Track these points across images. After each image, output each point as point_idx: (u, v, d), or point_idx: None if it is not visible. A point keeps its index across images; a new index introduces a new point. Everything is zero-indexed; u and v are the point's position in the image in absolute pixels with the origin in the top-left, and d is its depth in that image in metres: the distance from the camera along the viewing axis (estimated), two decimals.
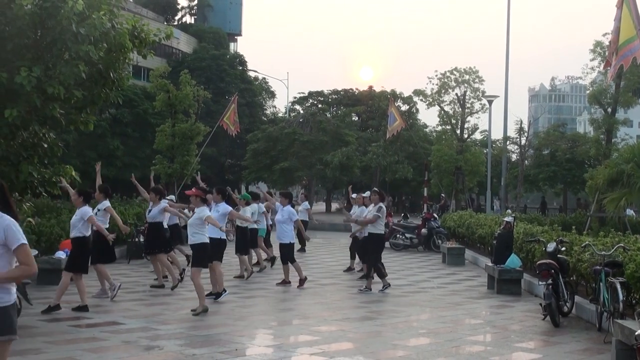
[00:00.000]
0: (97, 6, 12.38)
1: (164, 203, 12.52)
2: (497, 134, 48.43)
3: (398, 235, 21.47)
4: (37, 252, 10.20)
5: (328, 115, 47.75)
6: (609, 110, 27.15)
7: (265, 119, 56.76)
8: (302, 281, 12.71)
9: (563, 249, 10.85)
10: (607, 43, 18.68)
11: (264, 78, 62.89)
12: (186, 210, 13.16)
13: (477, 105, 36.84)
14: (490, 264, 13.27)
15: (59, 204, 19.47)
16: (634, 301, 9.14)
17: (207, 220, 10.16)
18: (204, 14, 70.23)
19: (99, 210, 11.10)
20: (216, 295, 10.94)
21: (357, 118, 54.09)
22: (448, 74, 36.46)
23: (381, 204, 12.48)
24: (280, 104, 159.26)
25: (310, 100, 55.76)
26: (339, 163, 36.87)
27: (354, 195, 16.19)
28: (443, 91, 36.70)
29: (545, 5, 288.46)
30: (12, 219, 4.35)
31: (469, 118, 37.35)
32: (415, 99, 42.30)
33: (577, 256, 10.69)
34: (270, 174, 38.99)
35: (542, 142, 43.44)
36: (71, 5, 11.68)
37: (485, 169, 34.11)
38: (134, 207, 19.30)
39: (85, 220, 9.90)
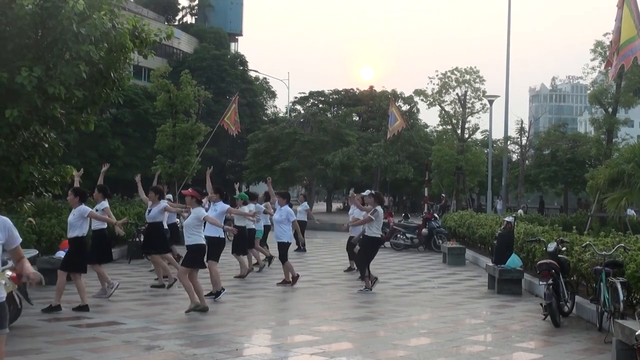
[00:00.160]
0: (98, 6, 12.42)
1: (163, 203, 12.51)
2: (497, 134, 48.52)
3: (399, 235, 21.48)
4: (37, 252, 10.18)
5: (329, 115, 47.76)
6: (610, 110, 27.15)
7: (266, 119, 56.78)
8: (295, 279, 12.80)
9: (564, 249, 10.84)
10: (608, 43, 18.68)
11: (265, 78, 63.02)
12: (186, 214, 13.16)
13: (477, 105, 36.89)
14: (490, 264, 13.27)
15: (59, 204, 19.47)
16: (634, 301, 9.13)
17: (206, 220, 10.16)
18: (205, 14, 70.26)
19: (97, 210, 11.10)
20: (215, 294, 10.94)
21: (357, 118, 54.12)
22: (449, 74, 36.50)
23: (377, 208, 12.48)
24: (281, 104, 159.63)
25: (311, 100, 55.78)
26: (339, 163, 36.88)
27: (365, 193, 16.29)
28: (444, 91, 36.73)
29: (546, 5, 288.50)
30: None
31: (469, 118, 37.40)
32: (416, 98, 42.34)
33: (577, 256, 10.68)
34: (271, 174, 38.88)
35: (543, 142, 43.46)
36: (72, 5, 11.70)
37: (486, 169, 34.13)
38: (135, 207, 19.31)
39: (84, 219, 9.87)
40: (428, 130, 53.77)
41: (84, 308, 9.64)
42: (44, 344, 7.68)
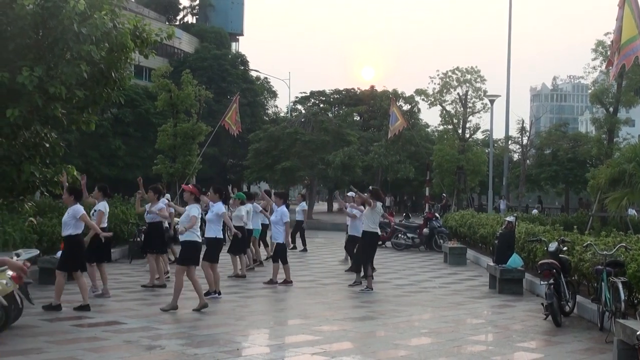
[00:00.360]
0: (99, 6, 12.43)
1: (161, 204, 12.41)
2: (498, 134, 48.46)
3: (400, 235, 21.47)
4: (38, 251, 10.17)
5: (330, 115, 47.71)
6: (611, 109, 27.11)
7: (267, 118, 56.80)
8: (271, 282, 12.72)
9: (565, 248, 10.83)
10: (609, 42, 18.67)
11: (266, 78, 63.00)
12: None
13: (478, 105, 36.84)
14: (491, 263, 13.26)
15: (60, 204, 19.48)
16: (635, 301, 9.13)
17: (192, 220, 10.03)
18: (206, 14, 70.28)
19: (95, 211, 11.10)
20: (213, 293, 10.97)
21: (358, 118, 54.10)
22: (450, 73, 36.45)
23: (376, 203, 12.47)
24: (282, 104, 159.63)
25: (312, 100, 55.78)
26: (340, 163, 36.83)
27: (349, 194, 16.37)
28: (445, 91, 36.69)
29: (546, 5, 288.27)
30: None
31: (470, 118, 37.34)
32: (417, 98, 42.30)
33: (578, 256, 10.67)
34: (272, 173, 38.96)
35: (544, 141, 43.42)
36: (73, 5, 11.71)
37: (487, 168, 34.09)
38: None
39: (77, 219, 9.87)
40: (429, 130, 53.77)
41: (85, 307, 9.64)
42: (45, 344, 7.67)
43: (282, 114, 60.59)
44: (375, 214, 12.56)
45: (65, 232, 9.86)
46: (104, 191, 11.33)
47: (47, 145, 13.73)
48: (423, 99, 38.89)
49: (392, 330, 9.05)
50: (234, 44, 69.78)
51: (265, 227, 16.23)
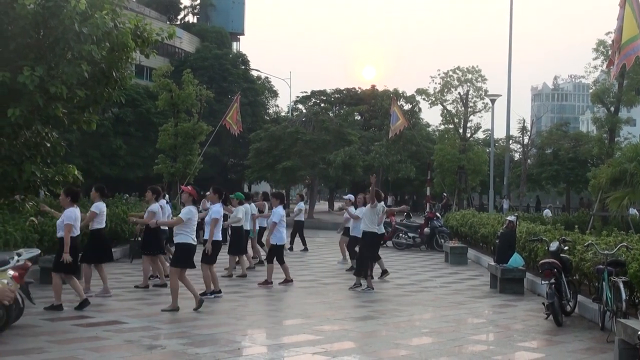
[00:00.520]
0: (100, 6, 12.42)
1: (154, 207, 12.17)
2: (499, 133, 48.25)
3: (401, 235, 21.45)
4: (39, 251, 10.17)
5: (331, 114, 47.70)
6: (612, 109, 27.09)
7: (267, 118, 56.74)
8: (266, 283, 12.64)
9: (566, 248, 10.81)
10: (610, 42, 18.64)
11: (267, 77, 62.91)
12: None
13: (479, 105, 36.82)
14: (492, 263, 13.25)
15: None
16: (637, 300, 9.12)
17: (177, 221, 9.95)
18: (207, 14, 70.23)
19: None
20: (211, 293, 10.96)
21: (359, 117, 54.05)
22: (451, 73, 36.43)
23: (378, 203, 12.46)
24: (282, 103, 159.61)
25: (313, 100, 55.73)
26: (341, 162, 36.81)
27: (345, 196, 16.43)
28: (446, 90, 36.66)
29: (547, 4, 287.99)
30: None
31: (471, 117, 37.32)
32: (418, 98, 42.27)
33: (579, 255, 10.66)
34: (273, 173, 38.93)
35: (545, 141, 43.39)
36: (74, 4, 11.71)
37: (487, 168, 34.07)
38: (137, 206, 19.31)
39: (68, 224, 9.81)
40: (430, 129, 53.72)
41: (84, 303, 9.61)
42: (46, 343, 7.67)
43: (283, 114, 60.55)
44: (374, 214, 12.56)
45: (59, 234, 9.86)
46: (101, 191, 11.28)
47: (48, 144, 13.72)
48: (424, 99, 38.88)
49: (393, 329, 9.05)
50: (234, 44, 69.71)
51: (262, 229, 16.24)
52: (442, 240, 20.58)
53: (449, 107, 37.05)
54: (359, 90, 56.55)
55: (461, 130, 36.95)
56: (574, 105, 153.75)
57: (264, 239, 16.76)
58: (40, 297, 9.98)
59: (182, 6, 71.39)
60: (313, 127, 39.24)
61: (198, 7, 71.65)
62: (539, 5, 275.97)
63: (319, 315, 9.87)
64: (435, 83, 37.14)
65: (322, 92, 56.14)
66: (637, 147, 19.30)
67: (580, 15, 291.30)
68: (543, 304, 9.99)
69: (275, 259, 12.78)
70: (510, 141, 38.16)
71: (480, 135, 42.39)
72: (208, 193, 11.43)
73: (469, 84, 36.19)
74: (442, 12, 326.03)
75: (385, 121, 39.72)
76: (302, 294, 12.06)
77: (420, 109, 48.69)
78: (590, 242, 10.24)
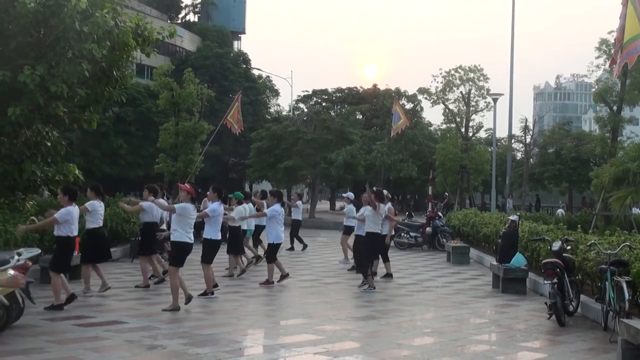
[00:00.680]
0: (101, 4, 12.40)
1: (145, 203, 12.14)
2: (502, 133, 48.23)
3: (402, 234, 21.39)
4: (39, 250, 10.15)
5: (332, 113, 47.64)
6: (615, 108, 26.99)
7: (269, 117, 56.65)
8: (267, 282, 12.60)
9: (568, 247, 10.78)
10: (613, 41, 18.58)
11: (268, 76, 62.74)
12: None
13: (482, 104, 36.68)
14: (495, 262, 13.20)
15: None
16: None
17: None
18: (208, 12, 70.17)
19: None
20: (210, 293, 10.94)
21: (361, 116, 53.93)
22: (453, 72, 36.30)
23: (379, 204, 12.41)
24: (284, 103, 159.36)
25: (315, 99, 55.61)
26: (343, 162, 36.74)
27: (345, 195, 16.42)
28: (448, 89, 36.54)
29: (550, 3, 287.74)
30: None
31: (473, 116, 37.19)
32: (420, 97, 42.10)
33: (582, 255, 10.62)
34: (274, 172, 38.86)
35: (547, 140, 43.24)
36: (74, 3, 11.68)
37: (490, 167, 33.98)
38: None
39: (65, 220, 9.77)
40: (432, 128, 53.59)
41: (57, 307, 9.53)
42: (46, 343, 7.65)
43: (284, 113, 60.47)
44: (377, 216, 12.52)
45: (57, 232, 9.85)
46: (96, 190, 11.26)
47: (49, 144, 13.69)
48: (426, 98, 38.73)
49: (395, 329, 9.01)
50: (236, 43, 69.67)
51: (260, 228, 16.19)
52: (444, 240, 20.53)
53: (451, 106, 36.94)
54: (361, 89, 56.41)
55: (463, 130, 36.84)
56: (576, 104, 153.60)
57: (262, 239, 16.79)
58: (41, 296, 9.96)
59: (183, 5, 71.35)
60: (314, 127, 39.17)
61: (199, 5, 71.57)
62: (540, 4, 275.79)
63: (320, 315, 9.83)
64: (437, 82, 37.02)
65: (324, 91, 56.01)
66: (639, 146, 19.24)
67: (583, 14, 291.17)
68: (545, 303, 9.96)
69: (267, 256, 12.78)
70: (513, 140, 38.01)
71: (482, 134, 42.28)
72: (208, 193, 11.40)
73: (471, 82, 36.07)
74: (443, 12, 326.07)
75: (387, 120, 39.66)
76: (304, 293, 12.02)
77: (422, 108, 48.58)
78: (593, 241, 10.20)
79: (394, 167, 39.37)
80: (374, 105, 50.14)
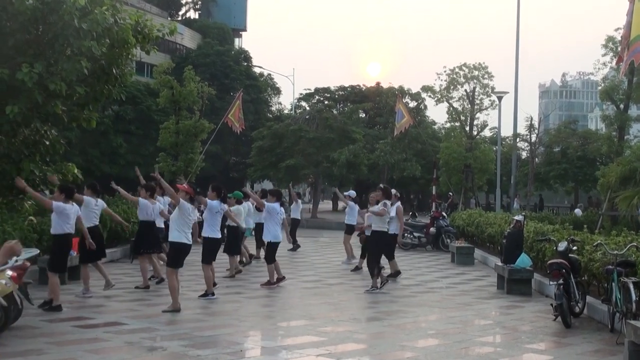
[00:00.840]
0: (100, 1, 12.27)
1: (142, 201, 12.11)
2: (506, 131, 47.86)
3: (406, 235, 21.22)
4: (38, 251, 10.06)
5: (335, 112, 47.48)
6: (622, 106, 26.87)
7: (270, 115, 56.58)
8: (269, 283, 12.46)
9: (574, 248, 10.65)
10: (619, 38, 18.41)
11: (270, 74, 62.65)
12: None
13: (486, 102, 36.62)
14: (500, 263, 13.08)
15: None
16: None
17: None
18: (209, 9, 70.10)
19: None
20: (211, 295, 10.84)
21: (364, 115, 53.83)
22: (457, 70, 36.25)
23: (385, 201, 12.28)
24: (285, 101, 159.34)
25: (317, 97, 55.47)
26: (345, 161, 36.63)
27: (346, 192, 16.40)
28: (452, 87, 36.48)
29: (554, 1, 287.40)
30: None
31: (478, 115, 37.14)
32: (424, 95, 42.12)
33: (588, 255, 10.51)
34: (276, 171, 38.76)
35: (553, 139, 43.11)
36: (73, 0, 11.56)
37: (494, 166, 33.84)
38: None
39: (59, 217, 9.71)
40: (436, 127, 53.49)
41: (50, 304, 9.46)
42: (45, 345, 7.58)
43: (286, 111, 60.41)
44: (385, 215, 12.38)
45: (53, 231, 9.79)
46: (92, 189, 11.29)
47: (47, 142, 13.58)
48: (430, 96, 38.72)
49: (399, 331, 8.91)
50: (237, 40, 69.55)
51: (260, 226, 16.08)
52: (448, 240, 20.38)
53: (455, 105, 36.89)
54: (364, 88, 56.28)
55: (467, 128, 36.77)
56: (582, 103, 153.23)
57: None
58: (39, 297, 9.87)
59: (183, 2, 71.18)
60: (317, 125, 39.03)
61: (199, 2, 71.46)
62: (545, 2, 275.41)
63: (323, 317, 9.73)
64: (441, 80, 36.99)
65: (326, 90, 55.89)
66: None
67: (589, 10, 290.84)
68: (551, 305, 9.83)
69: (266, 256, 12.67)
70: (518, 139, 37.86)
71: (487, 133, 42.20)
72: (208, 192, 11.33)
73: (475, 80, 36.00)
74: (447, 9, 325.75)
75: (390, 119, 39.58)
76: (306, 294, 11.91)
77: (425, 107, 48.50)
78: (599, 242, 10.08)
79: (397, 166, 39.27)
80: (377, 103, 50.01)
